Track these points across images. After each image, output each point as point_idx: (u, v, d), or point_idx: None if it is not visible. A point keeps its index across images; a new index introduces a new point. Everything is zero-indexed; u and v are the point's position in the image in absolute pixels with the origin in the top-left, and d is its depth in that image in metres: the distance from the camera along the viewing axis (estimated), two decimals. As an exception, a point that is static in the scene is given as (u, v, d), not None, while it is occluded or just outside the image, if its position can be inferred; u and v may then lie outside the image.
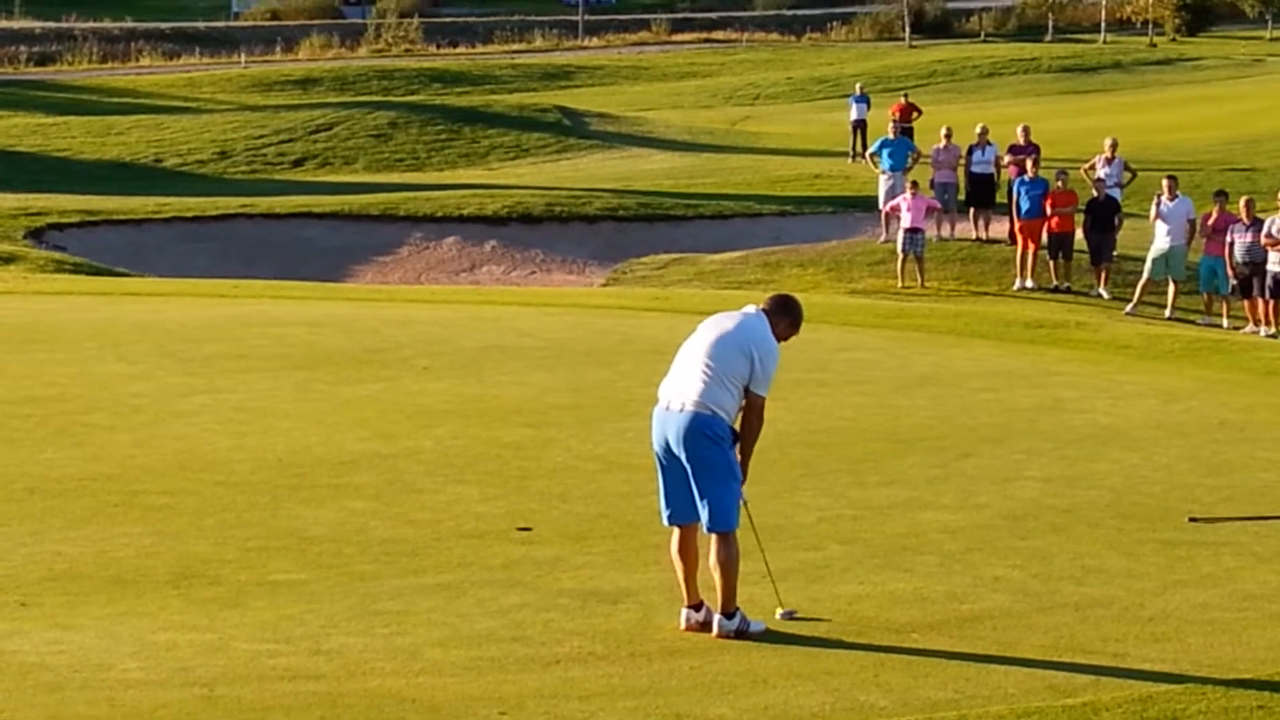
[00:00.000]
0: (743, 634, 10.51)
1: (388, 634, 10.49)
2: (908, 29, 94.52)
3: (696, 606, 10.66)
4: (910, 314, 25.98)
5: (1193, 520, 13.35)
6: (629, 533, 12.95)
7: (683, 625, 10.68)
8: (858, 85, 54.86)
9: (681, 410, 10.45)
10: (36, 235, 37.45)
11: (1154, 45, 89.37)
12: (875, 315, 25.38)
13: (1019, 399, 18.61)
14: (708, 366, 10.42)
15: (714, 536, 10.50)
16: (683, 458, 10.47)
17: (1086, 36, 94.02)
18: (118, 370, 19.48)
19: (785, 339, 10.74)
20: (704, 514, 10.47)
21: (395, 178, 49.17)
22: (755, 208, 41.96)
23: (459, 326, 23.37)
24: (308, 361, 20.14)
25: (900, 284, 32.67)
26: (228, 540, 12.65)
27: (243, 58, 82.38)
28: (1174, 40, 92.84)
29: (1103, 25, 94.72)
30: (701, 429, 10.41)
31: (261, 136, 54.38)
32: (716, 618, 10.57)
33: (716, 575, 10.51)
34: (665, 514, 10.72)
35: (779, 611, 10.76)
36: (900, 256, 33.04)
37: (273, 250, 37.55)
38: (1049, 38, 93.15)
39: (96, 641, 10.25)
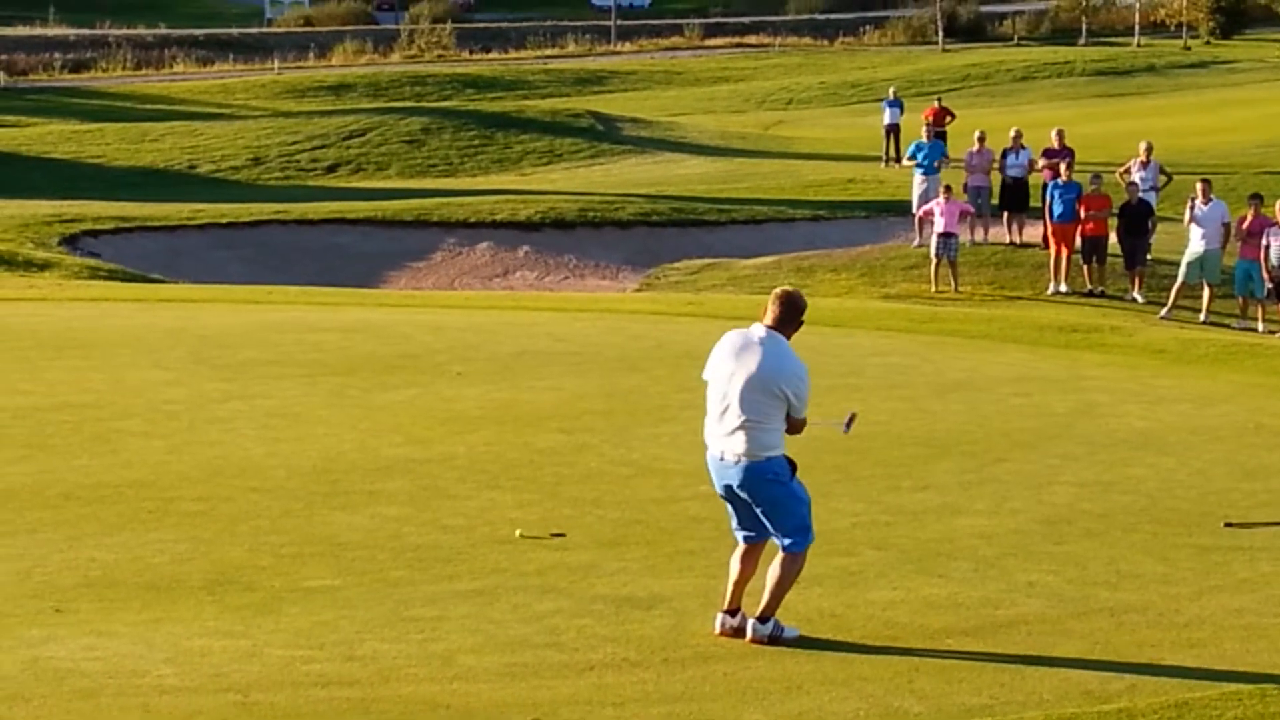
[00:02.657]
0: (775, 640, 10.55)
1: (421, 640, 10.50)
2: (941, 33, 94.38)
3: (733, 612, 10.71)
4: (944, 319, 25.93)
5: (1228, 525, 13.31)
6: (663, 539, 12.95)
7: (717, 629, 10.73)
8: (891, 90, 54.77)
9: (737, 463, 10.60)
10: (71, 242, 37.55)
11: (1188, 48, 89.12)
12: (909, 320, 25.33)
13: (1053, 404, 18.57)
14: (748, 419, 10.55)
15: (780, 554, 10.69)
16: (751, 500, 10.65)
17: (1120, 40, 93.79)
18: (152, 377, 19.53)
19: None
20: (781, 541, 10.66)
21: (428, 183, 49.22)
22: (788, 212, 41.92)
23: (492, 332, 23.39)
24: (341, 367, 20.17)
25: (934, 288, 32.60)
26: (262, 546, 12.67)
27: (276, 64, 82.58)
28: (1208, 43, 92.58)
29: (1136, 28, 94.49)
30: (761, 476, 10.60)
31: (295, 143, 54.49)
32: (751, 623, 10.62)
33: (771, 582, 10.63)
34: (741, 536, 10.86)
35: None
36: (934, 261, 32.97)
37: (306, 256, 37.63)
38: (1083, 41, 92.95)
39: (131, 648, 10.28)
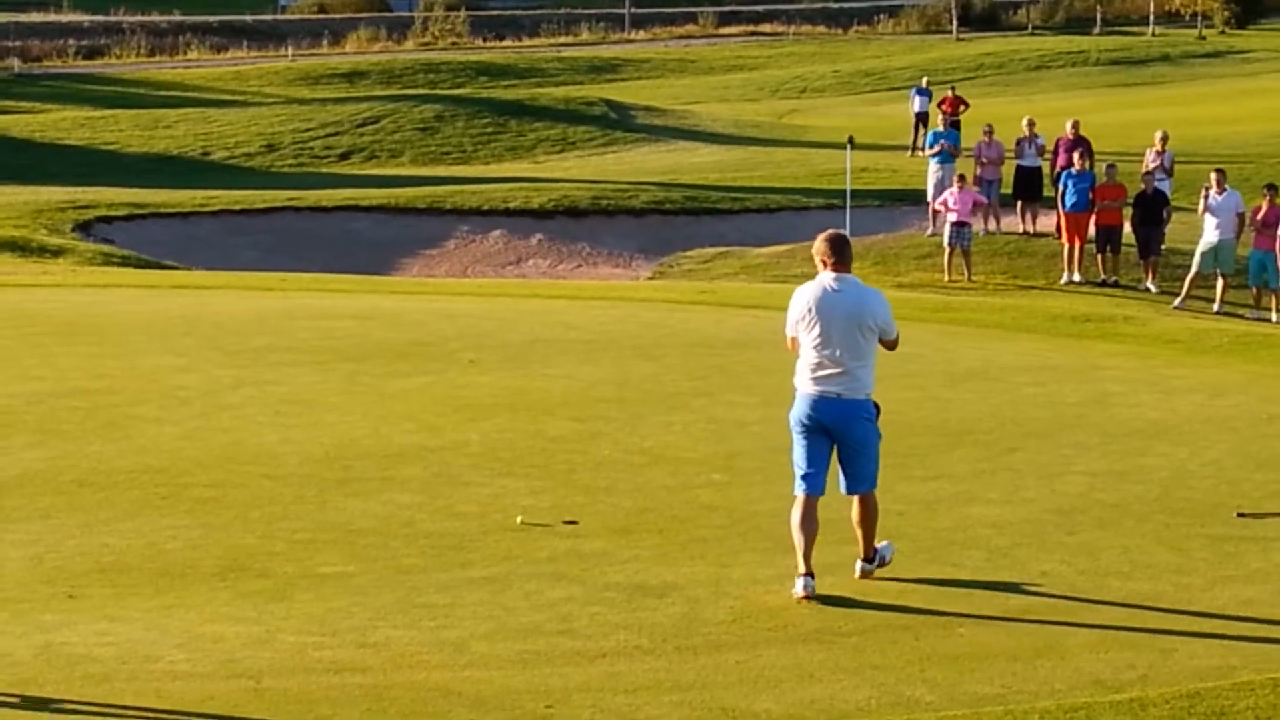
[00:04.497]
0: (883, 562, 11.63)
1: (434, 627, 10.51)
2: (955, 21, 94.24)
3: (812, 574, 11.23)
4: (957, 308, 25.91)
5: (1241, 515, 13.29)
6: (675, 526, 12.95)
7: (800, 593, 11.17)
8: (924, 79, 54.72)
9: (838, 398, 11.39)
10: (84, 228, 37.62)
11: (1203, 38, 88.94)
12: (922, 309, 25.29)
13: (1066, 393, 18.55)
14: (851, 361, 11.40)
15: (858, 498, 11.55)
16: (842, 439, 11.42)
17: (1135, 29, 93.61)
18: (165, 363, 19.55)
19: None
20: (854, 483, 11.54)
21: (441, 171, 49.23)
22: (802, 201, 41.89)
23: (505, 320, 23.39)
24: (354, 354, 20.18)
25: (947, 278, 32.60)
26: (275, 533, 12.69)
27: (290, 51, 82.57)
28: (1223, 33, 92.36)
29: (1151, 18, 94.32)
30: (862, 415, 11.46)
31: (308, 130, 54.49)
32: (860, 564, 11.59)
33: (866, 526, 11.57)
34: (803, 485, 11.47)
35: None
36: (947, 250, 32.96)
37: (319, 243, 37.65)
38: (1097, 30, 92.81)
39: (144, 633, 10.30)
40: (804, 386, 11.49)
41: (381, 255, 37.06)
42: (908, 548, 12.35)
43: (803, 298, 11.55)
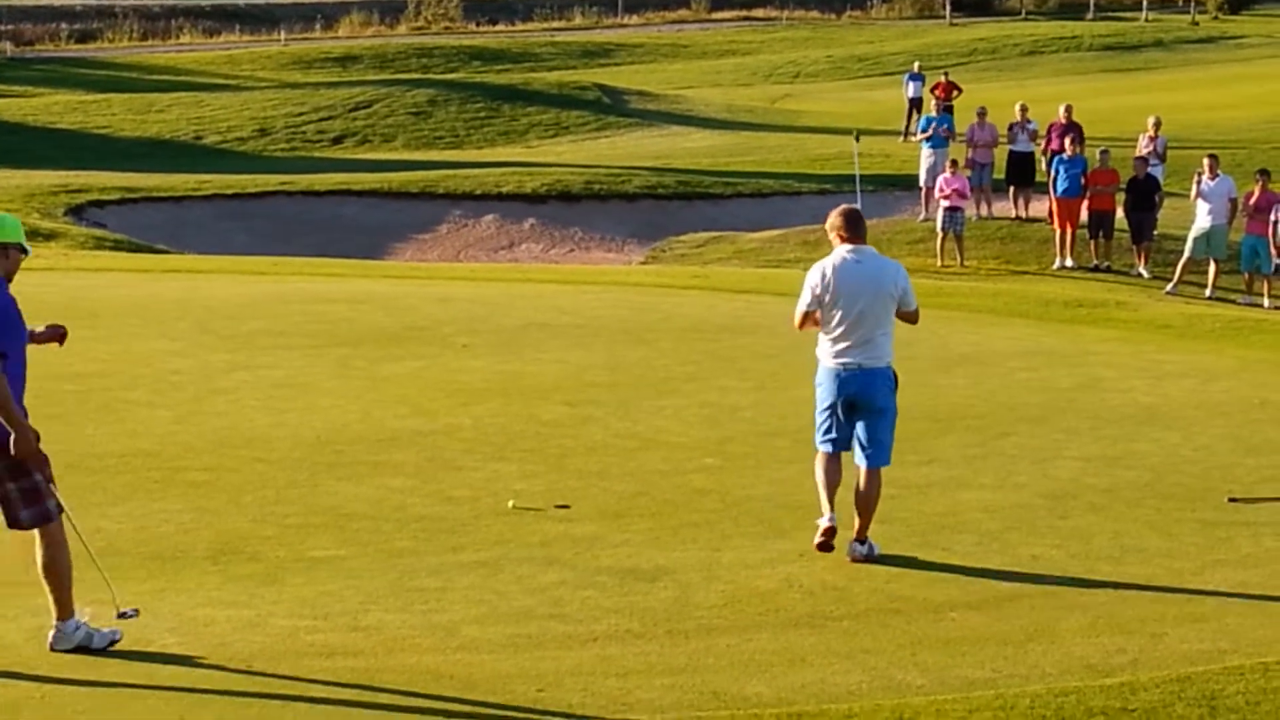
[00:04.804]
0: (870, 558, 11.73)
1: (426, 611, 10.52)
2: (948, 7, 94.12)
3: (834, 516, 11.73)
4: (950, 293, 25.92)
5: (1232, 500, 13.32)
6: (667, 511, 12.97)
7: (825, 524, 11.70)
8: (917, 64, 54.68)
9: (859, 369, 11.80)
10: (77, 212, 37.54)
11: (1196, 23, 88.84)
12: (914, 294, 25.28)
13: (1058, 378, 18.57)
14: (877, 329, 11.85)
15: (866, 471, 11.85)
16: (865, 406, 11.82)
17: (1128, 15, 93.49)
18: (158, 347, 19.55)
19: None
20: (872, 454, 11.86)
21: (434, 155, 49.16)
22: (794, 186, 41.87)
23: (498, 304, 23.39)
24: (347, 339, 20.18)
25: (940, 263, 32.60)
26: (267, 517, 12.69)
27: (283, 35, 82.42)
28: (1216, 18, 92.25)
29: (1144, 3, 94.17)
30: (884, 384, 11.89)
31: (301, 114, 54.41)
32: (852, 545, 11.77)
33: (867, 503, 11.82)
34: (827, 446, 11.93)
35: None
36: (940, 235, 32.96)
37: (312, 228, 37.61)
38: (1090, 16, 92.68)
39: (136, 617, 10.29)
40: (827, 360, 11.88)
41: (374, 240, 37.02)
42: (899, 532, 12.38)
43: (822, 272, 11.86)
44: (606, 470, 14.21)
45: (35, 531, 9.88)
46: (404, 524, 12.54)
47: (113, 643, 9.81)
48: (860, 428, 11.86)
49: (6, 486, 9.85)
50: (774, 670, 9.58)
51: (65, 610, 9.84)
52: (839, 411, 11.87)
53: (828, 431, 11.93)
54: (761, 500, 13.28)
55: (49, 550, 9.86)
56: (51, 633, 9.83)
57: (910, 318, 12.13)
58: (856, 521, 11.80)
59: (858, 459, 11.92)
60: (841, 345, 11.81)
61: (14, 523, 9.91)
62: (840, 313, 11.77)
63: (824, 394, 11.93)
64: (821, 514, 11.75)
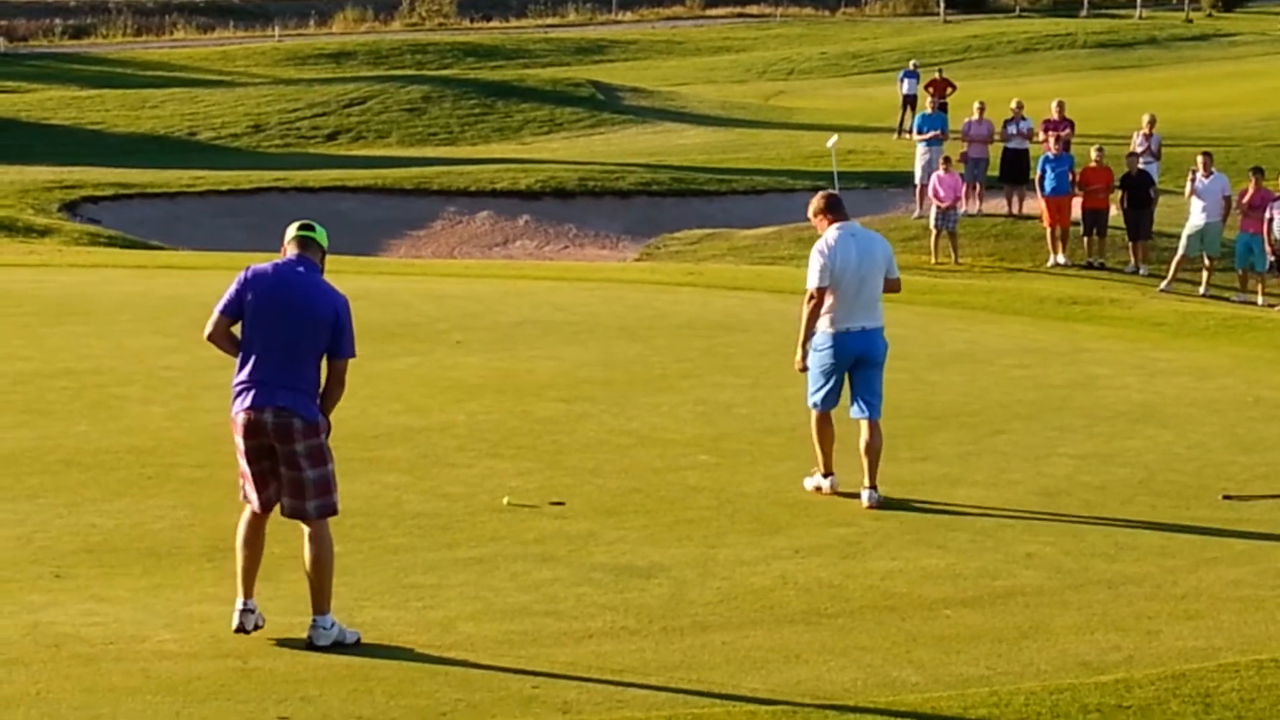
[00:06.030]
0: (884, 504, 12.96)
1: (420, 607, 10.52)
2: (942, 4, 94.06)
3: (833, 474, 13.30)
4: (943, 290, 25.93)
5: (1226, 498, 13.34)
6: (662, 507, 12.97)
7: (826, 488, 13.26)
8: (912, 62, 54.66)
9: (863, 330, 13.19)
10: (71, 208, 37.53)
11: (1190, 21, 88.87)
12: (908, 291, 24.99)
13: (1052, 375, 18.58)
14: (875, 291, 13.22)
15: (868, 423, 13.16)
16: (868, 362, 13.22)
17: (1122, 12, 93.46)
18: (152, 343, 19.53)
19: None
20: (874, 405, 13.20)
21: (428, 152, 49.15)
22: (788, 183, 41.82)
23: (492, 301, 23.39)
24: (341, 335, 20.12)
25: (934, 260, 32.63)
26: (261, 513, 12.66)
27: (276, 31, 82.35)
28: (1210, 16, 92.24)
29: (1138, 1, 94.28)
30: (882, 342, 13.36)
31: (295, 110, 54.38)
32: (866, 493, 13.00)
33: (875, 452, 13.11)
34: (821, 405, 13.30)
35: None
36: (934, 232, 32.99)
37: (306, 224, 37.51)
38: (1084, 13, 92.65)
39: (131, 613, 10.30)
40: (835, 326, 13.15)
41: (368, 236, 36.99)
42: (894, 529, 12.39)
43: (826, 249, 13.10)
44: (601, 467, 14.21)
45: (302, 523, 9.89)
46: (398, 520, 12.54)
47: (357, 641, 9.85)
48: (862, 383, 13.19)
49: (304, 473, 9.77)
50: (769, 667, 9.59)
51: (326, 604, 9.86)
52: (837, 372, 13.17)
53: (825, 389, 13.23)
54: (756, 497, 13.28)
55: (321, 544, 9.90)
56: (310, 629, 9.83)
57: (894, 285, 13.46)
58: (867, 472, 13.01)
59: (859, 413, 13.22)
60: (848, 310, 13.10)
61: (295, 512, 9.88)
62: (846, 281, 13.07)
63: (826, 357, 13.18)
64: (820, 469, 13.32)
